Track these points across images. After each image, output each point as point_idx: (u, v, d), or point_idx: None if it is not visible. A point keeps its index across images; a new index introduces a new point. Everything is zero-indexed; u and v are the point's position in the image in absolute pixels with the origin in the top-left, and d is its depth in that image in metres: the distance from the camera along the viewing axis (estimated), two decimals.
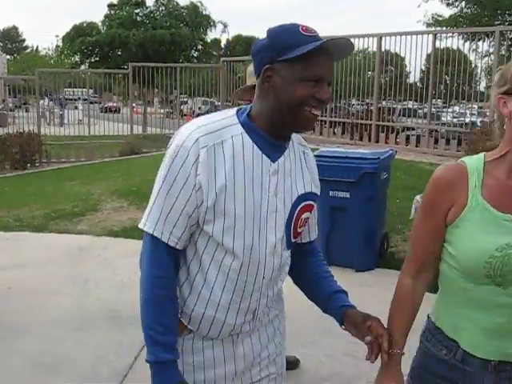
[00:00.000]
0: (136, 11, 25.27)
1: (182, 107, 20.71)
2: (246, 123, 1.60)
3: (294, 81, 1.52)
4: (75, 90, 19.49)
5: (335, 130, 13.84)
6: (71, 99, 21.43)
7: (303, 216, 1.69)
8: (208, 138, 1.53)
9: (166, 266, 1.58)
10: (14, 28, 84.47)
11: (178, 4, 25.59)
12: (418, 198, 5.09)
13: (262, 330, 1.77)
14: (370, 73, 14.05)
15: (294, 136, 1.69)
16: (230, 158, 1.54)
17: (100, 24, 25.32)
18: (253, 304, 1.66)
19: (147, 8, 25.58)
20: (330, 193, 5.06)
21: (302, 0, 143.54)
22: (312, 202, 1.72)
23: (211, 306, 1.63)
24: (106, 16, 25.29)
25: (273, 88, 1.54)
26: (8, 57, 63.46)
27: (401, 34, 12.26)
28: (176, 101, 17.65)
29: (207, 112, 20.30)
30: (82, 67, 25.55)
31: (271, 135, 1.59)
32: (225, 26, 28.45)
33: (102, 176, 10.66)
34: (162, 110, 20.92)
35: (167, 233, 1.56)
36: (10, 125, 16.91)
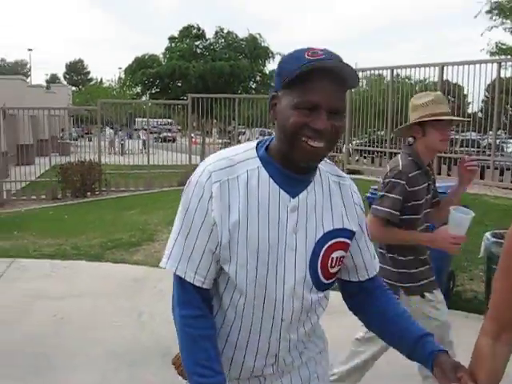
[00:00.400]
0: (196, 43, 25.71)
1: (239, 138, 20.84)
2: (264, 157, 1.51)
3: (288, 108, 1.42)
4: (142, 119, 19.89)
5: None
6: (136, 129, 21.92)
7: (334, 255, 1.55)
8: (222, 173, 1.47)
9: (195, 304, 1.50)
10: (80, 61, 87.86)
11: (237, 36, 25.90)
12: (487, 235, 4.80)
13: (294, 373, 1.65)
14: None
15: (327, 166, 1.59)
16: (245, 194, 1.46)
17: (161, 56, 25.88)
18: (273, 347, 1.56)
19: (207, 40, 25.99)
20: None
21: (362, 31, 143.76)
22: (345, 240, 1.57)
23: (229, 346, 1.57)
24: (167, 48, 25.81)
25: (276, 117, 1.47)
26: (74, 88, 65.97)
27: (464, 63, 11.91)
28: (234, 131, 17.74)
29: None
30: (143, 98, 26.14)
31: (289, 168, 1.48)
32: (279, 56, 28.55)
33: (160, 205, 10.71)
34: (219, 141, 21.10)
35: (191, 272, 1.49)
36: (73, 153, 17.38)
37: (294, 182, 1.49)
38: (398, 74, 13.69)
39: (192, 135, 17.49)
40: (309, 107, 1.39)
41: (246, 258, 1.47)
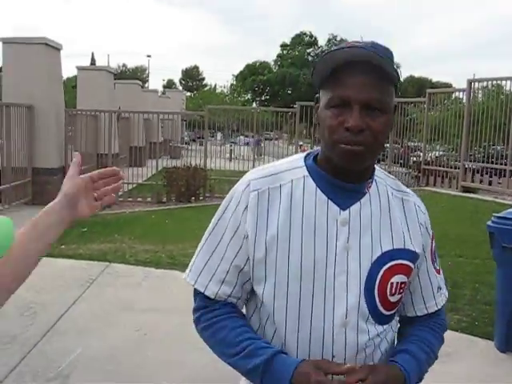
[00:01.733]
0: (308, 51, 25.55)
1: None
2: (312, 165, 1.36)
3: (324, 109, 1.28)
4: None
5: None
6: (246, 135, 21.93)
7: (394, 280, 1.32)
8: (262, 181, 1.36)
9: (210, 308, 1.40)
10: (196, 67, 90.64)
11: None
12: None
13: None
14: None
15: (389, 180, 1.41)
16: (287, 205, 1.31)
17: (272, 63, 25.94)
18: None
19: (319, 48, 25.75)
20: None
21: (480, 40, 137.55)
22: (407, 262, 1.34)
23: None
24: (279, 55, 25.90)
25: (318, 120, 1.32)
26: (188, 94, 68.03)
27: None
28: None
29: None
30: (253, 104, 26.26)
31: (338, 177, 1.32)
32: (397, 66, 27.64)
33: None
34: None
35: (215, 287, 1.37)
36: (183, 157, 17.60)
37: (344, 193, 1.33)
38: None
39: (301, 143, 17.23)
40: (339, 104, 1.24)
41: (287, 279, 1.28)
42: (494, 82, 14.05)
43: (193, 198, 13.28)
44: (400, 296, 1.36)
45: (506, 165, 12.23)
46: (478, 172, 13.46)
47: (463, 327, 4.88)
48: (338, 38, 24.99)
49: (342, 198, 1.32)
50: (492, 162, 12.95)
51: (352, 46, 1.26)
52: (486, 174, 13.13)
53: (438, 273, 1.49)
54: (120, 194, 13.68)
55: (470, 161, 13.71)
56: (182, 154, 20.85)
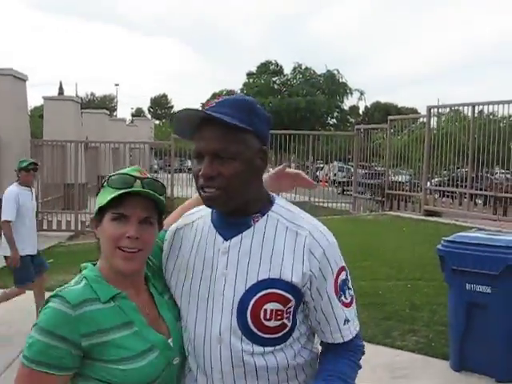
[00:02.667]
0: (274, 79, 25.93)
1: (317, 173, 20.51)
2: None
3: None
4: None
5: (476, 201, 12.79)
6: None
7: (268, 306, 1.43)
8: (184, 219, 1.65)
9: None
10: (164, 96, 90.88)
11: (314, 72, 25.94)
12: None
13: None
14: None
15: (288, 213, 1.53)
16: (192, 238, 1.57)
17: (238, 91, 26.24)
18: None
19: (285, 76, 26.16)
20: (467, 286, 4.33)
21: (444, 66, 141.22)
22: (281, 292, 1.44)
23: None
24: (245, 84, 26.19)
25: None
26: (157, 122, 68.11)
27: None
28: (312, 167, 17.53)
29: (343, 178, 20.32)
30: None
31: (224, 212, 1.52)
32: (361, 93, 28.24)
33: None
34: None
35: None
36: None
37: (228, 226, 1.51)
38: (481, 111, 13.04)
39: (270, 169, 17.34)
40: (196, 157, 1.48)
41: (180, 298, 1.55)
42: (454, 108, 14.51)
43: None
44: (280, 322, 1.45)
45: (466, 187, 12.59)
46: (440, 195, 13.82)
47: (420, 348, 5.04)
48: (303, 67, 25.42)
49: (228, 230, 1.50)
50: (453, 186, 13.31)
51: (189, 109, 1.47)
52: (448, 197, 13.48)
53: (347, 306, 1.53)
54: (87, 224, 13.65)
55: (434, 185, 14.07)
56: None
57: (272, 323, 1.44)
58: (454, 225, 10.79)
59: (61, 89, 70.78)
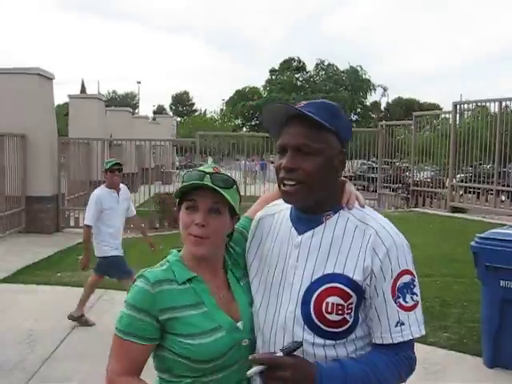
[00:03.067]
0: (296, 76, 25.90)
1: None
2: None
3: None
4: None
5: (502, 197, 12.67)
6: (237, 159, 22.23)
7: (329, 300, 1.51)
8: (267, 210, 1.79)
9: None
10: (186, 93, 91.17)
11: (337, 68, 25.87)
12: None
13: None
14: None
15: (356, 212, 1.60)
16: (272, 230, 1.70)
17: (261, 88, 26.24)
18: None
19: (307, 73, 26.12)
20: (501, 282, 4.31)
21: (467, 61, 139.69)
22: (341, 286, 1.52)
23: None
24: (268, 81, 26.20)
25: None
26: (178, 119, 68.42)
27: None
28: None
29: (364, 173, 20.23)
30: (244, 130, 26.53)
31: (299, 208, 1.62)
32: (384, 89, 28.20)
33: None
34: None
35: None
36: (175, 182, 17.70)
37: (302, 221, 1.62)
38: (506, 106, 12.92)
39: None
40: (279, 151, 1.60)
41: (256, 285, 1.69)
42: (479, 104, 14.38)
43: None
44: (340, 317, 1.51)
45: (492, 184, 12.48)
46: (466, 192, 13.71)
47: (452, 345, 5.02)
48: (326, 63, 25.35)
49: (301, 224, 1.62)
50: (480, 182, 13.20)
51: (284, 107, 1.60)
52: (474, 193, 13.37)
53: (404, 309, 1.53)
54: None
55: (459, 181, 13.96)
56: (173, 179, 20.99)
57: (333, 317, 1.51)
58: (481, 221, 10.70)
59: (83, 87, 71.39)
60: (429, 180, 15.26)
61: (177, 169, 27.23)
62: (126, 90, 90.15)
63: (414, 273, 1.57)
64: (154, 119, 40.22)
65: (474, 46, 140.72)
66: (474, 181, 13.41)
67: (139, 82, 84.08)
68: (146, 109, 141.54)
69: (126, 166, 17.74)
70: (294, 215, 1.65)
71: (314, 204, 1.59)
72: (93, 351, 5.05)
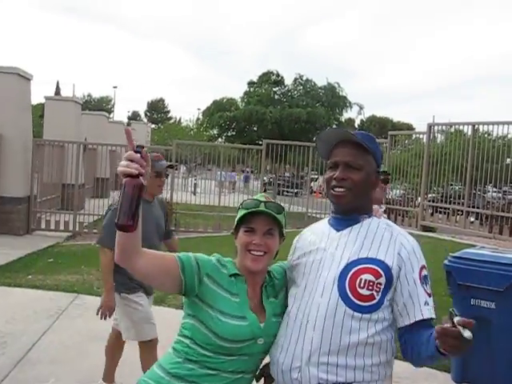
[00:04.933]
0: (274, 89, 26.07)
1: (311, 184, 20.65)
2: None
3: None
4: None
5: (470, 218, 12.93)
6: (210, 169, 22.24)
7: (363, 276, 1.92)
8: (306, 228, 2.26)
9: None
10: (161, 100, 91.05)
11: (315, 84, 26.10)
12: None
13: None
14: (508, 160, 13.14)
15: (385, 221, 2.11)
16: (310, 236, 2.16)
17: (239, 100, 26.36)
18: (299, 347, 1.94)
19: (285, 87, 26.31)
20: (472, 301, 4.43)
21: (441, 82, 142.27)
22: (376, 267, 1.94)
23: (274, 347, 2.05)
24: (246, 93, 26.31)
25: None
26: (153, 126, 68.13)
27: None
28: (306, 177, 17.62)
29: None
30: (219, 140, 26.56)
31: (342, 212, 2.09)
32: (361, 107, 28.50)
33: (225, 250, 10.52)
34: None
35: None
36: None
37: (341, 222, 2.08)
38: (476, 129, 13.24)
39: (264, 178, 17.48)
40: (331, 166, 2.09)
41: (304, 268, 2.07)
42: (453, 126, 14.70)
43: None
44: (370, 292, 1.92)
45: (463, 205, 12.74)
46: (436, 211, 13.95)
47: None
48: (304, 78, 25.60)
49: (339, 225, 2.08)
50: (450, 202, 13.46)
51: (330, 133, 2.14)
52: (442, 213, 13.63)
53: (428, 294, 1.97)
54: (85, 225, 13.67)
55: (429, 200, 14.22)
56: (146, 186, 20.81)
57: (364, 291, 1.91)
58: (451, 241, 10.91)
59: (57, 88, 70.72)
60: (400, 198, 15.50)
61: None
62: (101, 94, 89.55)
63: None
64: (129, 124, 40.02)
65: (448, 69, 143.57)
66: (445, 201, 13.68)
67: (115, 87, 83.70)
68: (120, 114, 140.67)
69: (99, 171, 17.73)
70: (333, 220, 2.10)
71: (355, 208, 2.05)
72: (65, 355, 5.02)
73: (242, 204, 2.09)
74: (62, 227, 13.23)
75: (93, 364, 4.83)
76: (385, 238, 1.99)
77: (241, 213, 2.05)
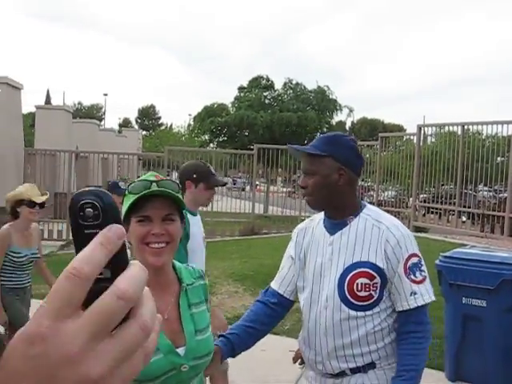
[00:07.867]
0: (265, 94, 26.14)
1: None
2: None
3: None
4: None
5: (462, 218, 13.02)
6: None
7: (359, 281, 2.06)
8: (307, 223, 2.37)
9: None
10: (152, 107, 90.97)
11: (305, 88, 26.18)
12: None
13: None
14: (499, 159, 13.25)
15: (373, 213, 2.18)
16: (311, 236, 2.25)
17: (230, 105, 26.41)
18: (317, 347, 2.14)
19: (275, 91, 26.38)
20: (464, 299, 4.50)
21: (426, 83, 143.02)
22: (368, 270, 2.06)
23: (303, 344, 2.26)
24: (236, 98, 26.35)
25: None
26: (144, 133, 68.04)
27: None
28: (299, 181, 17.67)
29: None
30: (211, 146, 26.62)
31: (325, 214, 2.22)
32: (351, 110, 28.57)
33: (221, 255, 10.59)
34: (284, 189, 21.03)
35: (276, 283, 2.40)
36: None
37: (333, 225, 2.18)
38: (467, 129, 13.33)
39: (257, 183, 17.54)
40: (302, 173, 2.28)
41: (306, 280, 2.22)
42: (444, 127, 14.80)
43: None
44: (368, 293, 2.06)
45: (454, 205, 12.82)
46: (428, 212, 14.04)
47: None
48: (294, 82, 25.71)
49: (332, 228, 2.18)
50: (441, 203, 13.55)
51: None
52: (433, 213, 13.71)
53: (416, 282, 2.07)
54: None
55: (421, 201, 14.30)
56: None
57: (362, 293, 2.06)
58: (443, 241, 10.97)
59: (48, 97, 70.55)
60: (392, 200, 15.58)
61: None
62: (91, 102, 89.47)
63: (420, 256, 2.12)
64: (119, 132, 39.97)
65: (437, 70, 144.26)
66: (437, 201, 13.76)
67: (106, 94, 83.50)
68: (111, 121, 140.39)
69: (90, 180, 17.74)
70: (326, 221, 2.21)
71: (333, 208, 2.17)
72: None
73: (128, 188, 1.62)
74: (55, 236, 13.21)
75: None
76: (373, 237, 2.08)
77: (129, 199, 1.59)
